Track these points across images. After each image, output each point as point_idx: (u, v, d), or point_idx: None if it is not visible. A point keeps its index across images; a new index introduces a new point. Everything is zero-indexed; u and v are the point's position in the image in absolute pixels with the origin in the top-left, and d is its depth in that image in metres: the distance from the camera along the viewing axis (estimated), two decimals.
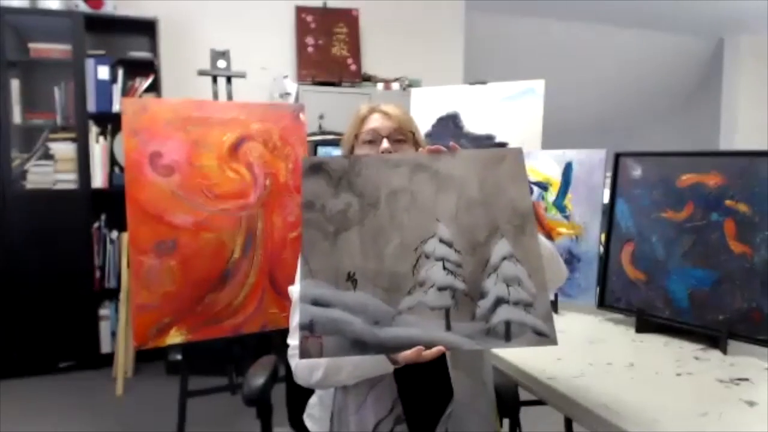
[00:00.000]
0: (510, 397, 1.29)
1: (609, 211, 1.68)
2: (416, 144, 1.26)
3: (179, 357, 2.95)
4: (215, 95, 2.58)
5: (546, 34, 5.33)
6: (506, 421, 1.32)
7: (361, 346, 0.91)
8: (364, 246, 0.97)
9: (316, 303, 0.92)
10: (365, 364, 1.04)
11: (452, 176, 1.03)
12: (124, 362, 2.98)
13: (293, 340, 1.14)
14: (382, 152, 1.18)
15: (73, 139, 3.18)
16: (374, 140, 1.21)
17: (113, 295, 3.23)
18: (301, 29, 3.90)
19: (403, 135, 1.22)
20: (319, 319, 0.91)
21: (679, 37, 5.71)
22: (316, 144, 2.52)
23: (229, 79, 2.61)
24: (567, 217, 1.80)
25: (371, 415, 1.09)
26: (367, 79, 3.93)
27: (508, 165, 1.06)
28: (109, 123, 3.25)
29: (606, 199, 1.71)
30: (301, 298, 0.92)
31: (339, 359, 1.04)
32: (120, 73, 3.29)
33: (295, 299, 1.17)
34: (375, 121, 1.23)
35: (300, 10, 3.92)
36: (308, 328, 0.90)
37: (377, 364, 1.02)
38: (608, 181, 1.71)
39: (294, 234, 2.31)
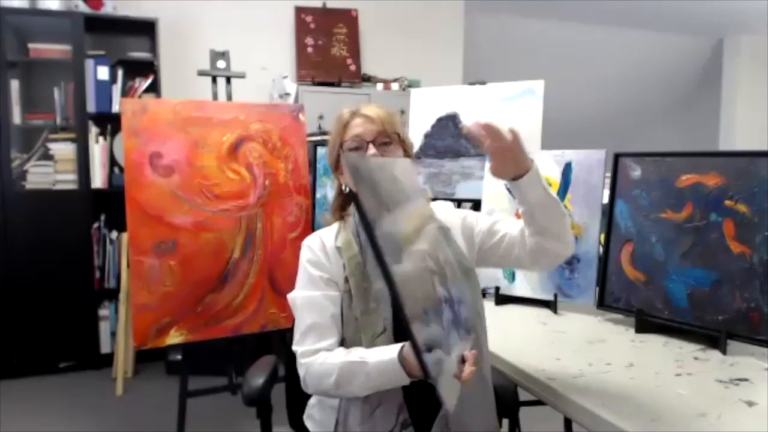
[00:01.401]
0: (509, 397, 1.29)
1: (608, 211, 1.68)
2: (402, 143, 1.23)
3: (179, 357, 2.96)
4: (215, 95, 2.59)
5: (546, 35, 5.33)
6: (506, 422, 1.32)
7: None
8: (416, 281, 0.87)
9: (428, 348, 0.81)
10: (379, 376, 1.00)
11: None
12: (124, 362, 2.98)
13: (300, 347, 1.11)
14: None
15: (72, 140, 3.18)
16: (360, 147, 1.18)
17: (113, 295, 3.23)
18: (301, 29, 3.90)
19: (388, 137, 1.19)
20: (431, 365, 0.80)
21: (679, 37, 5.71)
22: (316, 144, 2.52)
23: (228, 80, 2.61)
24: None
25: (379, 428, 1.08)
26: (367, 79, 3.93)
27: None
28: (109, 123, 3.26)
29: (605, 199, 1.71)
30: (420, 348, 0.78)
31: (352, 368, 1.02)
32: (120, 73, 3.29)
33: (299, 305, 1.15)
34: (358, 127, 1.19)
35: (299, 11, 3.92)
36: (429, 377, 0.79)
37: (393, 377, 0.99)
38: (608, 182, 1.71)
39: (293, 234, 2.31)
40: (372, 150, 1.17)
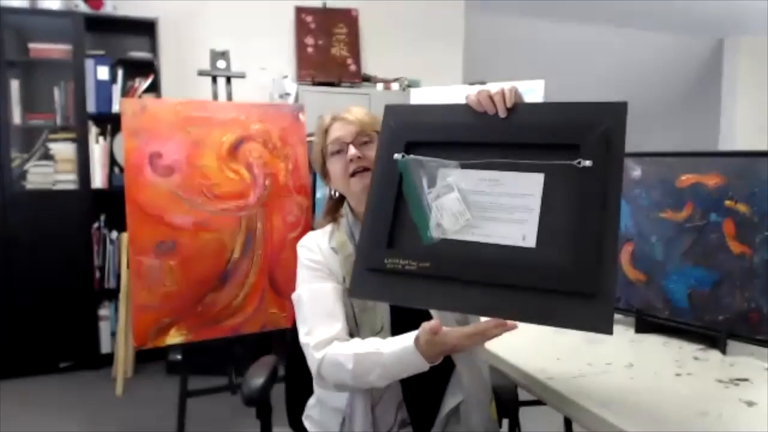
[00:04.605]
0: (509, 397, 1.29)
1: None
2: None
3: (179, 357, 2.96)
4: (215, 95, 2.59)
5: (546, 35, 5.33)
6: (506, 421, 1.32)
7: None
8: None
9: None
10: (397, 366, 0.99)
11: None
12: (124, 362, 2.98)
13: (312, 338, 1.09)
14: (350, 160, 1.17)
15: (72, 140, 3.18)
16: (341, 149, 1.20)
17: (113, 295, 3.23)
18: (301, 29, 3.90)
19: (367, 136, 1.20)
20: None
21: (679, 37, 5.71)
22: None
23: (228, 80, 2.61)
24: None
25: (378, 427, 1.08)
26: (367, 79, 3.93)
27: None
28: (109, 123, 3.25)
29: None
30: None
31: (367, 358, 1.01)
32: (120, 73, 3.29)
33: (306, 299, 1.15)
34: (337, 130, 1.21)
35: (300, 11, 3.92)
36: None
37: (412, 365, 0.98)
38: None
39: (293, 234, 2.31)
40: (352, 150, 1.17)
